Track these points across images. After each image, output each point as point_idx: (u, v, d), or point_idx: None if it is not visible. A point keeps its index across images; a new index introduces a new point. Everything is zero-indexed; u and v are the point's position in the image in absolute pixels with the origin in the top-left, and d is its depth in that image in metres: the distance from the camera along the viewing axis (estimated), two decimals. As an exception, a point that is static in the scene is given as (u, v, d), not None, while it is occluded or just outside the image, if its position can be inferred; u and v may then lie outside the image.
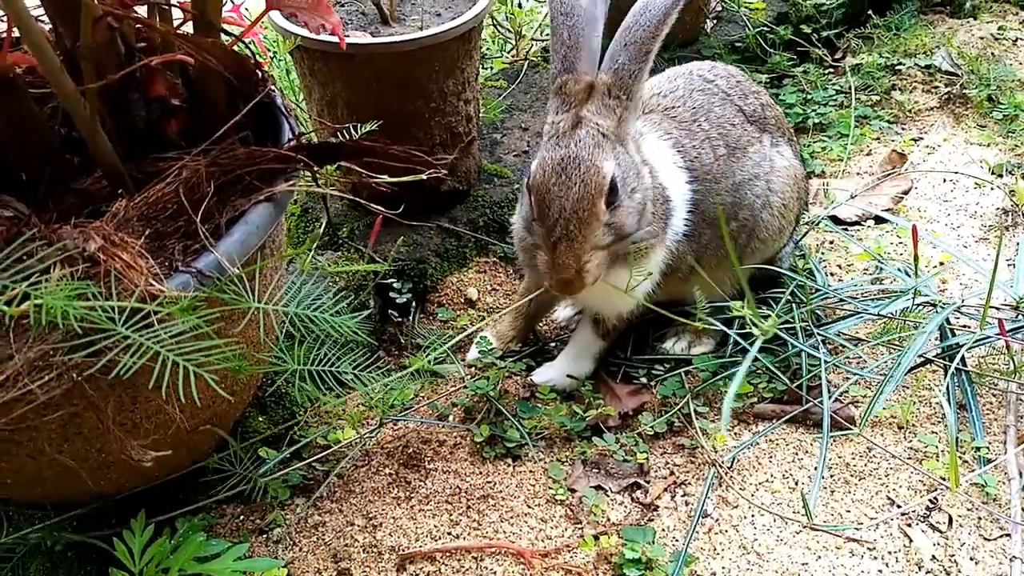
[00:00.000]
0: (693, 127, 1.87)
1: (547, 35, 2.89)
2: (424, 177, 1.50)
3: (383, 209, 1.39)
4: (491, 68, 2.90)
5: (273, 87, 1.40)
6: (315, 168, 1.31)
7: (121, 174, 1.22)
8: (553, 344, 2.17)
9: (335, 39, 1.83)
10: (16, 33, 1.19)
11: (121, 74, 1.20)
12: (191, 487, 1.71)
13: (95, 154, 1.21)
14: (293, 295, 1.44)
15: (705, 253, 1.91)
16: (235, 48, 1.34)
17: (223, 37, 1.44)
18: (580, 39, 1.67)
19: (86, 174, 1.31)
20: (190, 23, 1.47)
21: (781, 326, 1.90)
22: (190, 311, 1.03)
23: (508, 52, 2.83)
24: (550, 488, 1.76)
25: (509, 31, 2.88)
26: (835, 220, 2.51)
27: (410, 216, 1.98)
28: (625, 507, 1.75)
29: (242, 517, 1.75)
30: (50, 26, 1.28)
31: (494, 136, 2.61)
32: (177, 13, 1.45)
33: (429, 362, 2.06)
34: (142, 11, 1.41)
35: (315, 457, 1.83)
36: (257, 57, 1.36)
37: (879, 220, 2.50)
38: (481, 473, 1.81)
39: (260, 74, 1.36)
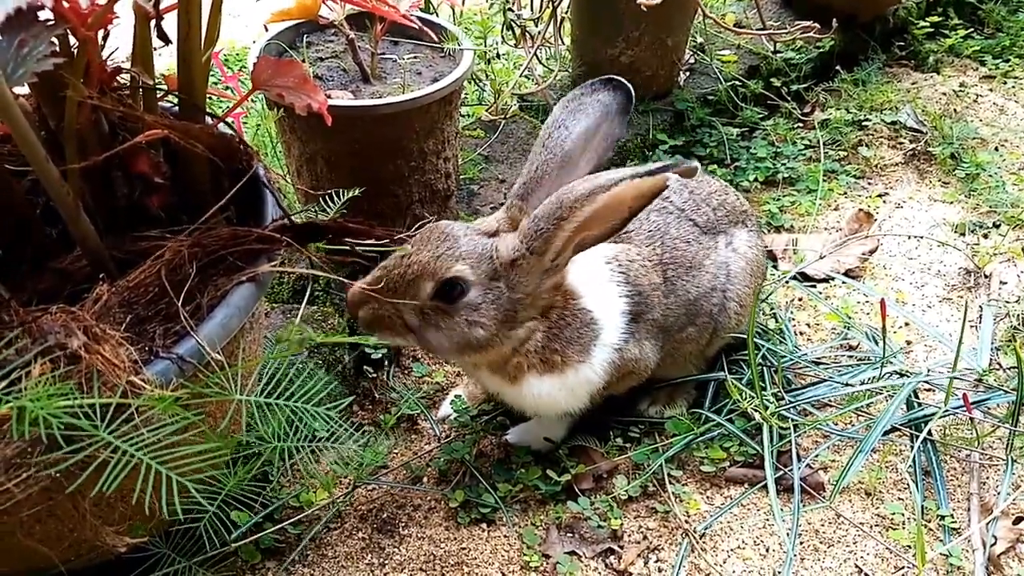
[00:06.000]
0: (646, 250, 1.85)
1: (525, 90, 2.92)
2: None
3: (364, 286, 1.39)
4: (469, 115, 2.91)
5: (259, 161, 1.40)
6: (299, 248, 1.31)
7: (103, 257, 1.21)
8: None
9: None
10: None
11: (105, 155, 1.19)
12: (158, 552, 1.68)
13: (76, 237, 1.20)
14: (271, 361, 1.43)
15: (666, 347, 1.92)
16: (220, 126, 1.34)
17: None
18: (545, 177, 1.68)
19: (65, 250, 1.29)
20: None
21: (752, 391, 1.94)
22: (175, 407, 1.02)
23: (487, 110, 2.84)
24: (524, 554, 1.77)
25: (487, 80, 2.90)
26: (804, 276, 2.56)
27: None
28: (599, 573, 1.75)
29: (212, 582, 1.73)
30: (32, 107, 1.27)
31: (471, 187, 2.62)
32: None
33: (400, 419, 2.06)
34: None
35: (289, 520, 1.81)
36: (244, 139, 1.36)
37: (848, 273, 2.56)
38: (455, 539, 1.81)
39: (246, 151, 1.36)
